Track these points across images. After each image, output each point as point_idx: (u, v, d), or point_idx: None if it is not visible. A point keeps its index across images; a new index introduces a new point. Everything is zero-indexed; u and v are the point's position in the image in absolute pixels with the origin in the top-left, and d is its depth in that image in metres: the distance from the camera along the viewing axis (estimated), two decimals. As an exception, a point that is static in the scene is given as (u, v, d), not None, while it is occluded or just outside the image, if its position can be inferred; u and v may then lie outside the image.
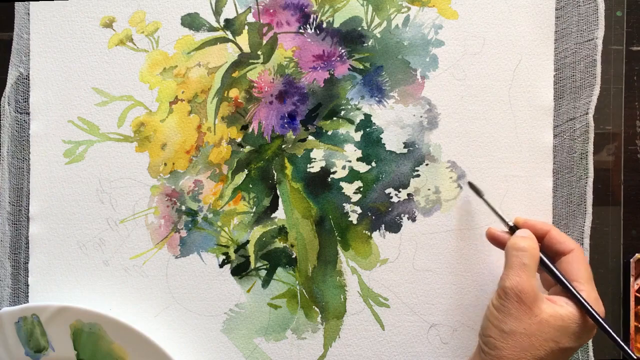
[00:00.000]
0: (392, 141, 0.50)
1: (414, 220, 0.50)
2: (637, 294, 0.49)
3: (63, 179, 0.51)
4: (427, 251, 0.50)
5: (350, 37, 0.50)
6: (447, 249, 0.50)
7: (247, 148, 0.50)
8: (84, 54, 0.51)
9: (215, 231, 0.50)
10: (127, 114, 0.51)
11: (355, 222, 0.50)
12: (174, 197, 0.51)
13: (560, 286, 0.43)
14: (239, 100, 0.50)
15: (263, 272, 0.50)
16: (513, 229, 0.45)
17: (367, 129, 0.50)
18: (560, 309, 0.41)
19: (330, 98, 0.50)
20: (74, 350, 0.49)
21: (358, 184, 0.50)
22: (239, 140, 0.50)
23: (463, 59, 0.50)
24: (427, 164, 0.50)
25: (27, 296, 0.51)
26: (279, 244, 0.50)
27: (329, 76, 0.50)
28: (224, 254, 0.50)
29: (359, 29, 0.50)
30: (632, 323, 0.49)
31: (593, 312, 0.41)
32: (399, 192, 0.50)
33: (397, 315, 0.50)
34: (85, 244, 0.51)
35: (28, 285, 0.51)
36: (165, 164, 0.51)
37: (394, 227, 0.50)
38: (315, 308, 0.50)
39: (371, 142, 0.50)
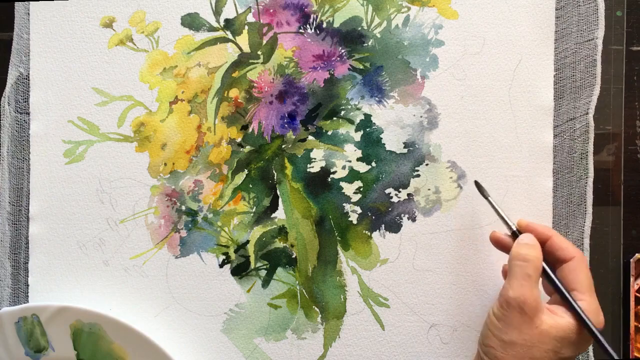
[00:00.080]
0: (392, 141, 0.50)
1: (414, 220, 0.50)
2: (637, 294, 0.49)
3: (63, 179, 0.51)
4: (427, 251, 0.50)
5: (350, 37, 0.50)
6: (447, 249, 0.50)
7: (247, 148, 0.50)
8: (84, 54, 0.51)
9: (215, 231, 0.50)
10: (127, 114, 0.51)
11: (355, 222, 0.50)
12: (174, 197, 0.51)
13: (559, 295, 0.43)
14: (239, 100, 0.50)
15: (263, 272, 0.50)
16: (516, 234, 0.45)
17: (367, 129, 0.50)
18: (560, 319, 0.41)
19: (330, 98, 0.50)
20: (74, 350, 0.49)
21: (358, 184, 0.50)
22: (239, 140, 0.50)
23: (463, 59, 0.50)
24: (427, 164, 0.50)
25: (27, 296, 0.51)
26: (279, 244, 0.50)
27: (329, 76, 0.50)
28: (224, 254, 0.50)
29: (359, 29, 0.50)
30: (632, 323, 0.49)
31: (591, 325, 0.40)
32: (399, 192, 0.50)
33: (397, 315, 0.50)
34: (85, 244, 0.51)
35: (28, 285, 0.51)
36: (165, 164, 0.51)
37: (394, 227, 0.50)
38: (315, 308, 0.50)
39: (371, 142, 0.50)
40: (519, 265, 0.42)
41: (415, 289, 0.50)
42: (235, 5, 0.51)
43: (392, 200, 0.50)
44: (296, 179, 0.50)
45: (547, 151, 0.49)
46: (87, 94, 0.51)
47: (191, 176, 0.50)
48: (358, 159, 0.50)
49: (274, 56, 0.50)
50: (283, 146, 0.50)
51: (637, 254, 0.49)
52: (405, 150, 0.50)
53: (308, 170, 0.50)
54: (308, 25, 0.50)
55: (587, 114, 0.49)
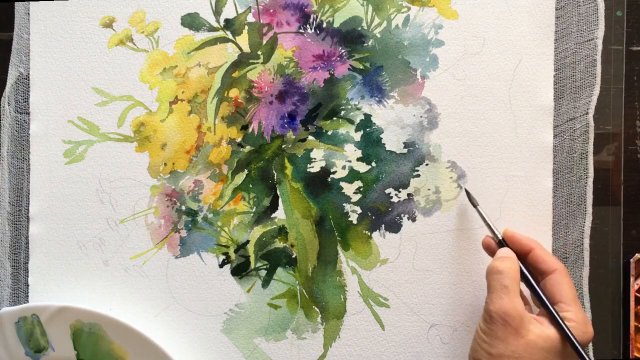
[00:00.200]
0: (392, 141, 0.50)
1: (414, 220, 0.50)
2: (637, 294, 0.49)
3: (63, 179, 0.51)
4: (427, 251, 0.50)
5: (350, 37, 0.50)
6: (447, 249, 0.50)
7: (247, 148, 0.50)
8: (84, 54, 0.51)
9: (215, 231, 0.50)
10: (127, 114, 0.51)
11: (355, 222, 0.50)
12: (174, 197, 0.51)
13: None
14: (239, 100, 0.50)
15: (263, 272, 0.50)
16: (502, 243, 0.45)
17: (367, 129, 0.50)
18: (547, 329, 0.41)
19: (330, 98, 0.50)
20: (74, 350, 0.49)
21: (358, 184, 0.50)
22: (239, 140, 0.50)
23: (463, 59, 0.50)
24: (427, 164, 0.50)
25: (27, 296, 0.51)
26: (279, 244, 0.50)
27: (329, 76, 0.50)
28: (224, 254, 0.50)
29: (359, 29, 0.50)
30: (632, 323, 0.49)
31: (571, 336, 0.40)
32: (399, 192, 0.50)
33: (397, 315, 0.50)
34: (85, 244, 0.51)
35: (28, 285, 0.51)
36: (165, 164, 0.51)
37: (394, 227, 0.50)
38: (315, 308, 0.50)
39: (371, 142, 0.50)
40: (494, 278, 0.42)
41: (415, 289, 0.50)
42: (235, 5, 0.51)
43: (392, 200, 0.50)
44: (296, 179, 0.50)
45: (547, 151, 0.49)
46: (87, 94, 0.51)
47: (191, 176, 0.50)
48: (358, 159, 0.50)
49: (274, 56, 0.50)
50: (283, 146, 0.50)
51: (637, 254, 0.49)
52: (405, 150, 0.50)
53: (308, 170, 0.50)
54: (308, 25, 0.50)
55: (587, 114, 0.49)
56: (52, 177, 0.51)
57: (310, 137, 0.50)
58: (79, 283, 0.51)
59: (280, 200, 0.50)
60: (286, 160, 0.50)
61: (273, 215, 0.50)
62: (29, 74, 0.51)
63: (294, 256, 0.50)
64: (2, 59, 0.52)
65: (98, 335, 0.48)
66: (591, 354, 0.48)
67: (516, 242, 0.45)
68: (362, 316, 0.50)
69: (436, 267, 0.50)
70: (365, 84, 0.50)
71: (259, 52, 0.50)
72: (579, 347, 0.40)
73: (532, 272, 0.44)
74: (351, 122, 0.50)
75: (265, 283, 0.50)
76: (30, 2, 0.51)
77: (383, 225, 0.50)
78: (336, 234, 0.50)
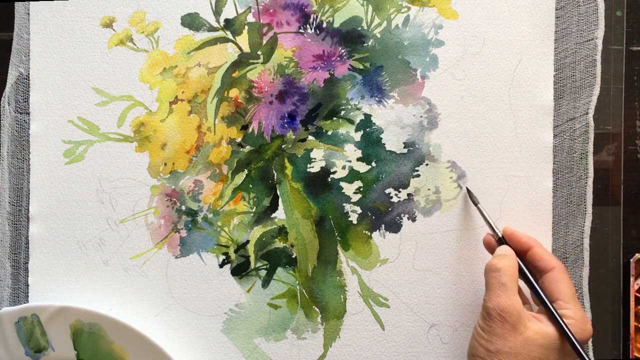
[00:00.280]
0: (392, 141, 0.50)
1: (414, 220, 0.50)
2: (637, 294, 0.49)
3: (63, 179, 0.51)
4: (427, 251, 0.50)
5: (350, 37, 0.50)
6: (447, 249, 0.50)
7: (247, 148, 0.50)
8: (84, 54, 0.51)
9: (215, 231, 0.50)
10: (127, 114, 0.51)
11: (355, 222, 0.50)
12: (174, 197, 0.51)
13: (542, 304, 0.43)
14: (239, 100, 0.50)
15: (263, 272, 0.50)
16: (501, 241, 0.45)
17: (367, 129, 0.50)
18: (545, 326, 0.41)
19: (330, 98, 0.50)
20: (74, 350, 0.49)
21: (358, 184, 0.50)
22: (239, 140, 0.50)
23: (463, 59, 0.50)
24: (427, 164, 0.50)
25: (27, 296, 0.51)
26: (279, 244, 0.50)
27: (329, 76, 0.50)
28: (224, 254, 0.50)
29: (359, 29, 0.50)
30: (632, 323, 0.49)
31: (569, 333, 0.40)
32: (399, 192, 0.50)
33: (397, 315, 0.50)
34: (85, 244, 0.51)
35: (28, 285, 0.51)
36: (165, 164, 0.51)
37: (394, 227, 0.50)
38: (315, 308, 0.50)
39: (371, 142, 0.50)
40: (492, 276, 0.42)
41: (415, 289, 0.50)
42: (235, 5, 0.51)
43: (392, 200, 0.50)
44: (296, 179, 0.50)
45: (547, 151, 0.49)
46: (87, 94, 0.51)
47: (191, 176, 0.50)
48: (358, 159, 0.50)
49: (274, 56, 0.50)
50: (283, 146, 0.50)
51: (637, 254, 0.49)
52: (405, 150, 0.50)
53: (308, 170, 0.50)
54: (308, 25, 0.50)
55: (587, 114, 0.49)
56: (52, 177, 0.51)
57: (310, 137, 0.50)
58: (79, 283, 0.51)
59: (280, 200, 0.50)
60: (286, 160, 0.50)
61: (273, 215, 0.50)
62: (29, 74, 0.51)
63: (294, 256, 0.50)
64: (2, 59, 0.52)
65: (98, 335, 0.48)
66: (591, 354, 0.48)
67: (515, 240, 0.45)
68: (362, 316, 0.50)
69: (436, 267, 0.50)
70: (365, 84, 0.50)
71: (259, 52, 0.50)
72: (577, 344, 0.40)
73: (530, 269, 0.44)
74: (351, 122, 0.50)
75: (265, 283, 0.50)
76: (30, 2, 0.51)
77: (383, 225, 0.50)
78: (336, 234, 0.50)
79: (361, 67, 0.50)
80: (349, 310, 0.50)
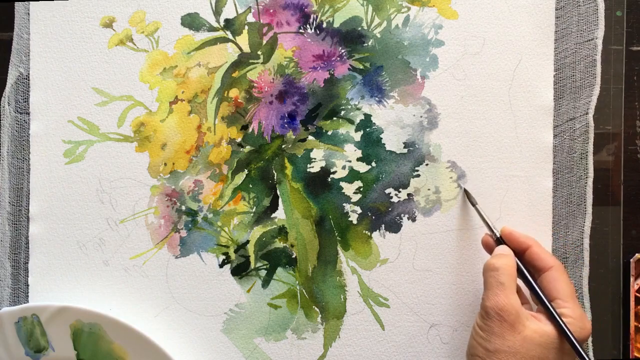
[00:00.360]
0: (392, 141, 0.50)
1: (414, 220, 0.50)
2: (637, 294, 0.49)
3: (63, 179, 0.51)
4: (427, 251, 0.50)
5: (350, 37, 0.50)
6: (447, 249, 0.50)
7: (247, 148, 0.50)
8: (84, 54, 0.51)
9: (215, 231, 0.50)
10: (127, 114, 0.51)
11: (355, 222, 0.50)
12: (174, 197, 0.51)
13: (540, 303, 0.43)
14: (239, 100, 0.50)
15: (263, 272, 0.50)
16: (499, 241, 0.45)
17: (367, 129, 0.50)
18: (544, 325, 0.41)
19: (330, 98, 0.50)
20: (74, 350, 0.49)
21: (358, 184, 0.50)
22: (239, 140, 0.50)
23: (463, 59, 0.50)
24: (427, 164, 0.50)
25: (27, 296, 0.51)
26: (279, 244, 0.50)
27: (329, 76, 0.50)
28: (224, 254, 0.50)
29: (359, 29, 0.50)
30: (632, 323, 0.49)
31: (568, 332, 0.40)
32: (399, 192, 0.50)
33: (397, 315, 0.50)
34: (85, 244, 0.51)
35: (28, 285, 0.51)
36: (165, 164, 0.51)
37: (394, 227, 0.50)
38: (315, 308, 0.50)
39: (371, 142, 0.50)
40: (491, 275, 0.42)
41: (415, 289, 0.50)
42: (235, 5, 0.51)
43: (392, 200, 0.50)
44: (296, 179, 0.50)
45: (547, 151, 0.49)
46: (87, 94, 0.51)
47: (191, 176, 0.50)
48: (358, 159, 0.50)
49: (274, 56, 0.50)
50: (283, 146, 0.50)
51: (637, 254, 0.49)
52: (405, 150, 0.50)
53: (308, 170, 0.50)
54: (308, 25, 0.50)
55: (587, 114, 0.49)
56: (52, 177, 0.51)
57: (310, 137, 0.50)
58: (79, 283, 0.51)
59: (280, 200, 0.50)
60: (286, 160, 0.50)
61: (273, 215, 0.50)
62: (29, 74, 0.51)
63: (294, 256, 0.50)
64: (2, 59, 0.52)
65: (98, 335, 0.48)
66: (591, 353, 0.48)
67: (514, 240, 0.45)
68: (362, 316, 0.50)
69: (436, 267, 0.50)
70: (365, 84, 0.50)
71: (259, 52, 0.50)
72: (575, 342, 0.40)
73: (529, 269, 0.44)
74: (351, 122, 0.50)
75: (265, 283, 0.50)
76: (30, 2, 0.51)
77: (383, 225, 0.50)
78: (336, 234, 0.50)
79: (361, 67, 0.50)
80: (349, 310, 0.50)
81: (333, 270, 0.50)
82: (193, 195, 0.50)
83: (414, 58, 0.50)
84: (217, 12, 0.51)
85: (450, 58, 0.50)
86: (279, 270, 0.50)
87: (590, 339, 0.48)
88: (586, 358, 0.40)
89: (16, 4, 0.51)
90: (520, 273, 0.44)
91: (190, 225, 0.50)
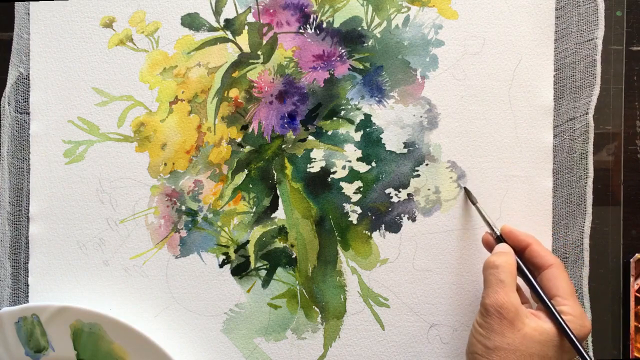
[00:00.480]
0: (392, 141, 0.50)
1: (414, 220, 0.50)
2: (637, 294, 0.49)
3: (63, 179, 0.51)
4: (427, 251, 0.50)
5: (350, 37, 0.50)
6: (447, 249, 0.50)
7: (247, 148, 0.50)
8: (84, 54, 0.51)
9: (215, 231, 0.50)
10: (127, 114, 0.51)
11: (355, 222, 0.50)
12: (174, 197, 0.51)
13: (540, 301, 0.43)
14: (239, 100, 0.50)
15: (263, 272, 0.50)
16: (500, 239, 0.45)
17: (367, 129, 0.50)
18: (543, 323, 0.41)
19: (330, 98, 0.50)
20: (74, 350, 0.49)
21: (358, 184, 0.50)
22: (239, 140, 0.50)
23: (463, 59, 0.50)
24: (427, 164, 0.50)
25: (27, 296, 0.51)
26: (279, 244, 0.50)
27: (329, 76, 0.50)
28: (224, 254, 0.50)
29: (359, 29, 0.50)
30: (632, 323, 0.49)
31: (567, 329, 0.40)
32: (399, 192, 0.50)
33: (397, 315, 0.50)
34: (85, 244, 0.51)
35: (28, 285, 0.51)
36: (165, 164, 0.51)
37: (394, 227, 0.50)
38: (315, 308, 0.50)
39: (371, 142, 0.50)
40: (491, 273, 0.42)
41: (415, 289, 0.50)
42: (235, 5, 0.51)
43: (392, 200, 0.50)
44: (296, 179, 0.50)
45: (547, 151, 0.49)
46: (87, 94, 0.51)
47: (191, 176, 0.50)
48: (358, 159, 0.50)
49: (274, 56, 0.50)
50: (283, 146, 0.50)
51: (637, 254, 0.49)
52: (405, 150, 0.50)
53: (308, 170, 0.50)
54: (308, 25, 0.50)
55: (587, 114, 0.49)
56: (52, 177, 0.51)
57: (310, 137, 0.50)
58: (79, 283, 0.51)
59: (280, 200, 0.50)
60: (286, 160, 0.50)
61: (273, 215, 0.50)
62: (29, 74, 0.51)
63: (294, 256, 0.50)
64: (2, 59, 0.52)
65: (98, 335, 0.48)
66: (591, 353, 0.48)
67: (514, 238, 0.45)
68: (362, 316, 0.50)
69: (436, 267, 0.50)
70: (365, 84, 0.50)
71: (259, 52, 0.50)
72: (575, 340, 0.40)
73: (529, 267, 0.44)
74: (351, 122, 0.50)
75: (265, 283, 0.50)
76: (30, 2, 0.51)
77: (383, 225, 0.50)
78: (336, 234, 0.50)
79: (361, 67, 0.50)
80: (349, 310, 0.50)
81: (333, 270, 0.50)
82: (193, 195, 0.50)
83: (414, 58, 0.50)
84: (217, 12, 0.51)
85: (450, 58, 0.50)
86: (279, 270, 0.50)
87: (590, 339, 0.48)
88: (585, 356, 0.40)
89: (16, 4, 0.51)
90: (520, 271, 0.44)
91: (190, 225, 0.50)
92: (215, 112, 0.50)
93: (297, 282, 0.50)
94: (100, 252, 0.51)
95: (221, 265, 0.50)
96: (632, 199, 0.50)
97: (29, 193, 0.51)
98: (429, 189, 0.50)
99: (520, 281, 0.44)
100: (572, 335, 0.40)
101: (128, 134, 0.51)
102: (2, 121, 0.51)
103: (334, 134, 0.50)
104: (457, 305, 0.49)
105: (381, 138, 0.50)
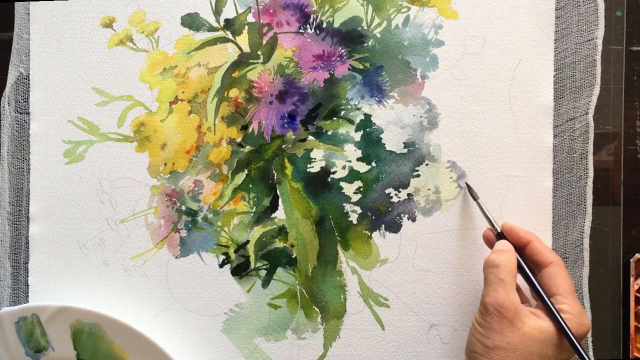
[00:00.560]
0: (392, 141, 0.50)
1: (414, 220, 0.50)
2: (637, 294, 0.49)
3: (63, 179, 0.51)
4: (427, 251, 0.50)
5: (350, 37, 0.50)
6: (447, 249, 0.50)
7: (247, 148, 0.50)
8: (84, 54, 0.51)
9: (215, 231, 0.50)
10: (127, 114, 0.51)
11: (355, 222, 0.50)
12: (174, 197, 0.51)
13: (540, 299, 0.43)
14: (239, 100, 0.50)
15: (263, 272, 0.50)
16: (500, 236, 0.45)
17: (367, 129, 0.50)
18: (542, 322, 0.41)
19: (330, 98, 0.50)
20: (74, 350, 0.49)
21: (358, 184, 0.50)
22: (239, 140, 0.50)
23: (463, 59, 0.50)
24: (427, 164, 0.50)
25: (27, 296, 0.51)
26: (279, 244, 0.50)
27: (329, 76, 0.50)
28: (224, 254, 0.50)
29: (359, 29, 0.50)
30: (632, 323, 0.49)
31: (566, 328, 0.40)
32: (399, 192, 0.50)
33: (397, 315, 0.50)
34: (85, 244, 0.51)
35: (28, 285, 0.51)
36: (165, 164, 0.51)
37: (394, 227, 0.50)
38: (315, 308, 0.50)
39: (371, 142, 0.50)
40: (491, 271, 0.42)
41: (415, 289, 0.50)
42: (235, 5, 0.51)
43: (392, 200, 0.50)
44: (296, 179, 0.50)
45: (547, 151, 0.49)
46: (87, 94, 0.51)
47: (191, 176, 0.50)
48: (358, 159, 0.50)
49: (274, 56, 0.50)
50: (283, 146, 0.50)
51: (637, 254, 0.49)
52: (405, 150, 0.50)
53: (308, 170, 0.50)
54: (308, 25, 0.50)
55: (587, 114, 0.49)
56: (52, 177, 0.51)
57: (310, 137, 0.50)
58: (79, 283, 0.51)
59: (280, 200, 0.50)
60: (286, 160, 0.50)
61: (273, 215, 0.50)
62: (29, 74, 0.51)
63: (294, 256, 0.50)
64: (2, 59, 0.52)
65: (98, 335, 0.48)
66: (591, 353, 0.48)
67: (514, 235, 0.45)
68: (362, 316, 0.50)
69: (436, 267, 0.50)
70: (365, 84, 0.50)
71: (259, 52, 0.50)
72: (573, 338, 0.40)
73: (529, 264, 0.44)
74: (351, 122, 0.50)
75: (265, 283, 0.50)
76: (30, 2, 0.51)
77: (383, 225, 0.50)
78: (336, 234, 0.50)
79: (361, 67, 0.50)
80: (349, 310, 0.50)
81: (333, 270, 0.50)
82: (193, 195, 0.50)
83: (414, 58, 0.50)
84: (217, 12, 0.51)
85: (450, 58, 0.50)
86: (279, 270, 0.50)
87: (590, 339, 0.48)
88: (583, 354, 0.40)
89: (16, 4, 0.51)
90: (520, 268, 0.44)
91: (190, 225, 0.50)
92: (215, 112, 0.50)
93: (297, 282, 0.50)
94: (100, 252, 0.51)
95: (221, 265, 0.50)
96: (632, 199, 0.50)
97: (29, 193, 0.51)
98: (429, 189, 0.50)
99: (520, 280, 0.44)
100: (570, 334, 0.40)
101: (128, 134, 0.51)
102: (2, 121, 0.51)
103: (334, 134, 0.50)
104: (457, 305, 0.49)
105: (381, 138, 0.50)
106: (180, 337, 0.50)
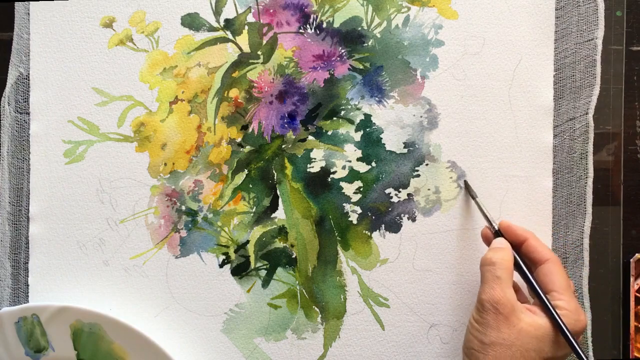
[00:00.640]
0: (392, 141, 0.50)
1: (414, 220, 0.50)
2: (637, 294, 0.49)
3: (63, 179, 0.51)
4: (427, 251, 0.50)
5: (350, 37, 0.50)
6: (447, 249, 0.50)
7: (247, 148, 0.50)
8: (84, 54, 0.51)
9: (215, 231, 0.50)
10: (127, 114, 0.51)
11: (355, 222, 0.50)
12: (174, 197, 0.51)
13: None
14: (239, 100, 0.50)
15: (263, 272, 0.50)
16: (498, 234, 0.46)
17: (367, 129, 0.50)
18: (539, 318, 0.41)
19: (330, 98, 0.50)
20: (74, 350, 0.49)
21: (358, 184, 0.50)
22: (239, 140, 0.50)
23: (463, 59, 0.50)
24: (427, 164, 0.50)
25: (27, 296, 0.51)
26: (279, 244, 0.50)
27: (329, 76, 0.50)
28: (224, 254, 0.50)
29: (359, 29, 0.50)
30: (632, 323, 0.49)
31: (562, 324, 0.40)
32: (399, 192, 0.50)
33: (397, 315, 0.50)
34: (85, 244, 0.51)
35: (28, 285, 0.51)
36: (165, 164, 0.51)
37: (394, 227, 0.50)
38: (315, 308, 0.50)
39: (371, 142, 0.50)
40: (487, 269, 0.43)
41: (415, 289, 0.50)
42: (235, 5, 0.51)
43: (392, 200, 0.50)
44: (296, 179, 0.50)
45: (547, 151, 0.49)
46: (87, 94, 0.51)
47: (191, 176, 0.50)
48: (358, 159, 0.50)
49: (274, 56, 0.50)
50: (283, 146, 0.50)
51: (637, 254, 0.49)
52: (405, 150, 0.50)
53: (308, 170, 0.50)
54: (308, 25, 0.50)
55: (587, 113, 0.49)
56: (52, 177, 0.51)
57: (310, 137, 0.50)
58: (79, 283, 0.51)
59: (280, 200, 0.50)
60: (286, 160, 0.50)
61: (273, 215, 0.50)
62: (29, 74, 0.51)
63: (294, 256, 0.50)
64: (2, 59, 0.52)
65: (98, 335, 0.48)
66: (591, 353, 0.48)
67: (511, 233, 0.45)
68: (362, 316, 0.50)
69: (436, 267, 0.50)
70: (365, 84, 0.50)
71: (259, 52, 0.50)
72: (568, 334, 0.40)
73: (526, 261, 0.44)
74: (351, 122, 0.50)
75: (265, 283, 0.50)
76: (30, 2, 0.51)
77: (383, 225, 0.50)
78: (336, 234, 0.50)
79: (361, 67, 0.50)
80: (349, 310, 0.50)
81: (333, 270, 0.50)
82: (193, 195, 0.50)
83: (414, 58, 0.50)
84: (217, 12, 0.51)
85: (450, 58, 0.50)
86: (279, 270, 0.50)
87: (590, 339, 0.48)
88: (579, 350, 0.40)
89: (16, 4, 0.51)
90: (517, 266, 0.44)
91: (190, 225, 0.50)
92: (215, 112, 0.50)
93: (297, 282, 0.50)
94: (100, 252, 0.51)
95: (221, 265, 0.50)
96: (632, 199, 0.50)
97: (29, 193, 0.51)
98: (429, 189, 0.50)
99: (518, 278, 0.44)
100: (565, 329, 0.40)
101: (128, 134, 0.51)
102: (2, 121, 0.51)
103: (334, 134, 0.50)
104: (457, 305, 0.50)
105: (381, 138, 0.50)
106: (180, 337, 0.50)
